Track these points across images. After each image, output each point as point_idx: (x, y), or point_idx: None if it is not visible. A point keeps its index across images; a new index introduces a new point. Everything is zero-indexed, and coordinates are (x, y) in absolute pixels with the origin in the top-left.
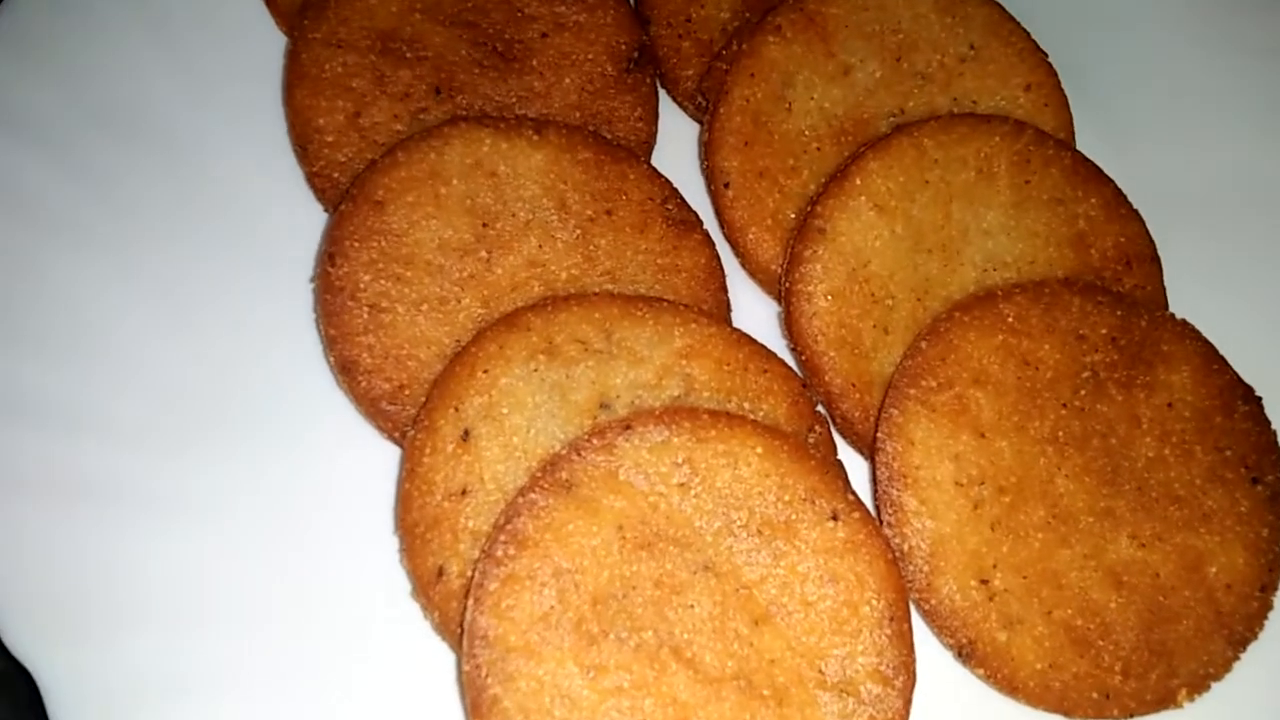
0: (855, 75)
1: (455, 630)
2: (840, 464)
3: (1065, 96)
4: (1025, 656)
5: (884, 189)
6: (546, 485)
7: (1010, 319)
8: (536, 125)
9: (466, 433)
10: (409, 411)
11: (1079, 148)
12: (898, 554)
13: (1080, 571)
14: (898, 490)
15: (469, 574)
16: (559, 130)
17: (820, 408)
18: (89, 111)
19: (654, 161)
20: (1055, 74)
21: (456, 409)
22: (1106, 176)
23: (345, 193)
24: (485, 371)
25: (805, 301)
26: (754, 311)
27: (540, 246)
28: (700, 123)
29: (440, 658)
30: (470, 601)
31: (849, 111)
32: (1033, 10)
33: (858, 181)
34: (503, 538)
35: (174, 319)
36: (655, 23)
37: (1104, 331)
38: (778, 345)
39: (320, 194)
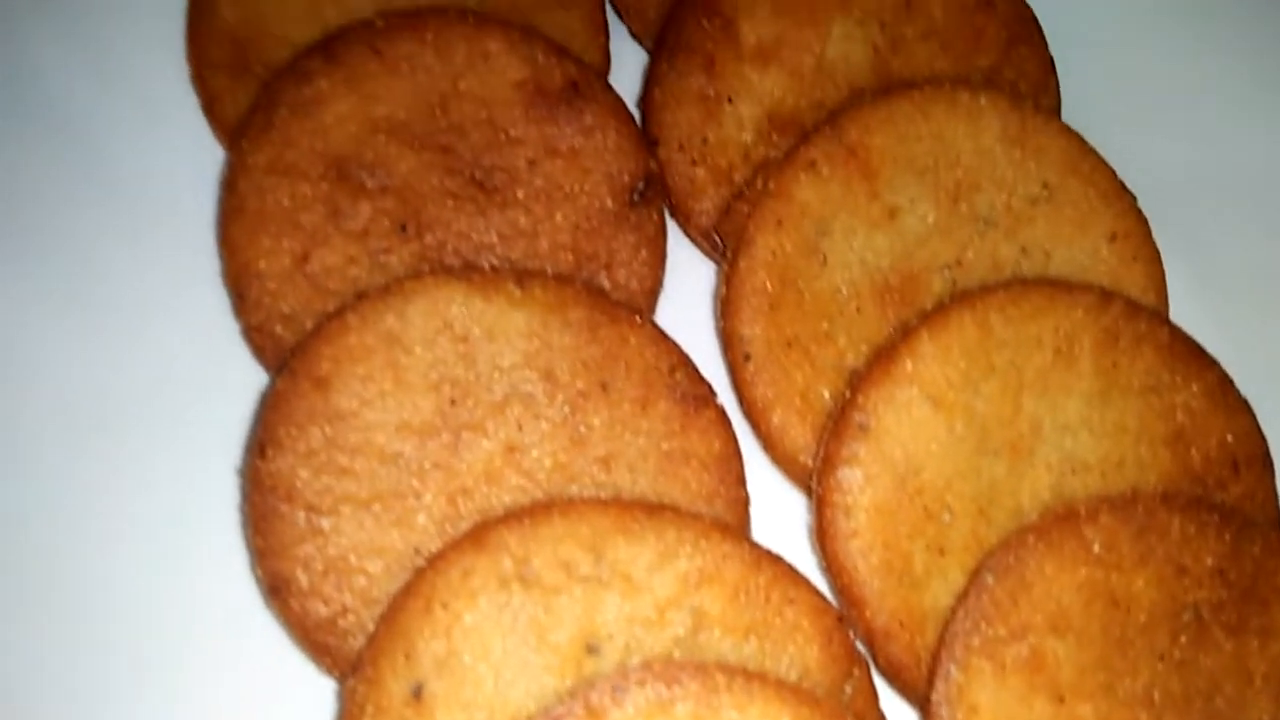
0: (904, 220)
1: None
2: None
3: (1157, 250)
4: None
5: (941, 377)
6: None
7: (1096, 547)
8: (518, 277)
9: (419, 688)
10: (353, 644)
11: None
12: None
13: None
14: None
15: None
16: (545, 284)
17: (860, 644)
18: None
19: (661, 308)
20: (1145, 221)
21: (407, 656)
22: (1209, 357)
23: (283, 364)
24: (444, 606)
25: (843, 516)
26: (779, 505)
27: (520, 428)
28: (717, 262)
29: None
30: None
31: (895, 264)
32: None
33: (908, 366)
34: None
35: (73, 518)
36: (664, 145)
37: (1210, 562)
38: (807, 551)
39: (259, 352)
